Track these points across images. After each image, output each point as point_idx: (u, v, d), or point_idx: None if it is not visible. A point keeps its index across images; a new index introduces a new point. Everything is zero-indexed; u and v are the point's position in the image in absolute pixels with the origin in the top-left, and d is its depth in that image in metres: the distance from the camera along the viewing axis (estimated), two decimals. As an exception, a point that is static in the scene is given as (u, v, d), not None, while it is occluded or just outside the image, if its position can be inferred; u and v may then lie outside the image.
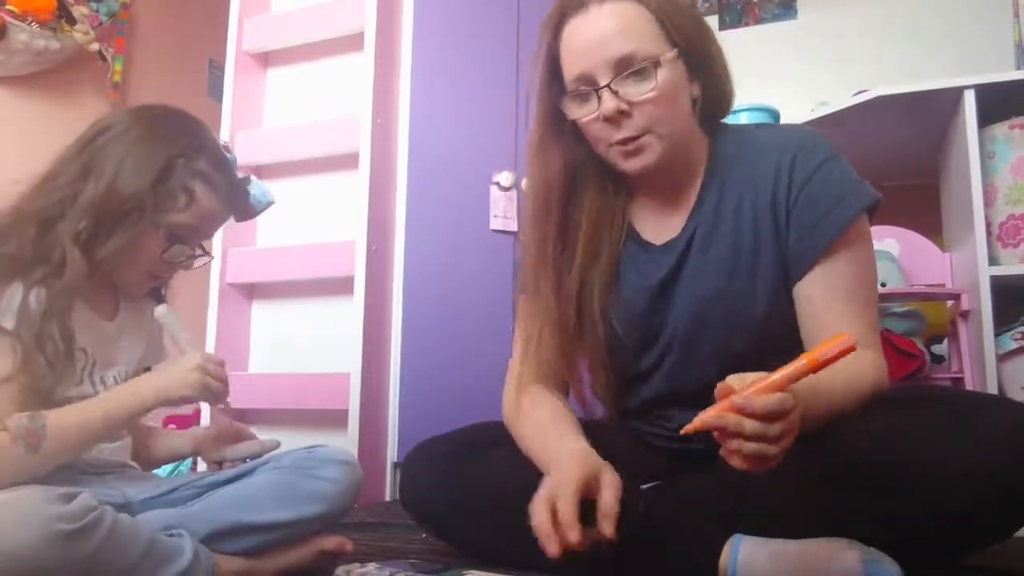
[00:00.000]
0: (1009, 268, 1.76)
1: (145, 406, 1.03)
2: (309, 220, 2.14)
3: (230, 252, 2.11)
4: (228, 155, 1.18)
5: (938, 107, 1.92)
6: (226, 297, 2.11)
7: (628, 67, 1.00)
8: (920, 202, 2.35)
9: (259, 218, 2.22)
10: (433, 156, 2.11)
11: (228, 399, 1.10)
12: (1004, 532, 0.88)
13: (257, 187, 1.24)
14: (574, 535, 0.84)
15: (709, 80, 1.08)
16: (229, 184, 1.15)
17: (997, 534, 0.89)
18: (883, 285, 2.00)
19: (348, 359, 1.92)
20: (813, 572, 0.84)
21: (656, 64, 1.00)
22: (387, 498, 1.96)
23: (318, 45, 2.20)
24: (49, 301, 0.98)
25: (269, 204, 1.25)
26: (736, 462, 0.76)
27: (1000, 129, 1.80)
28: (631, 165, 1.05)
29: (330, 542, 1.06)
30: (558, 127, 1.09)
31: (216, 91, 2.80)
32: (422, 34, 2.12)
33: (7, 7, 2.40)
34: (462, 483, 1.06)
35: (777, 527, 0.91)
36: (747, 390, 0.75)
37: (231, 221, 1.24)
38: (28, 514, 0.78)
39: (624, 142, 1.03)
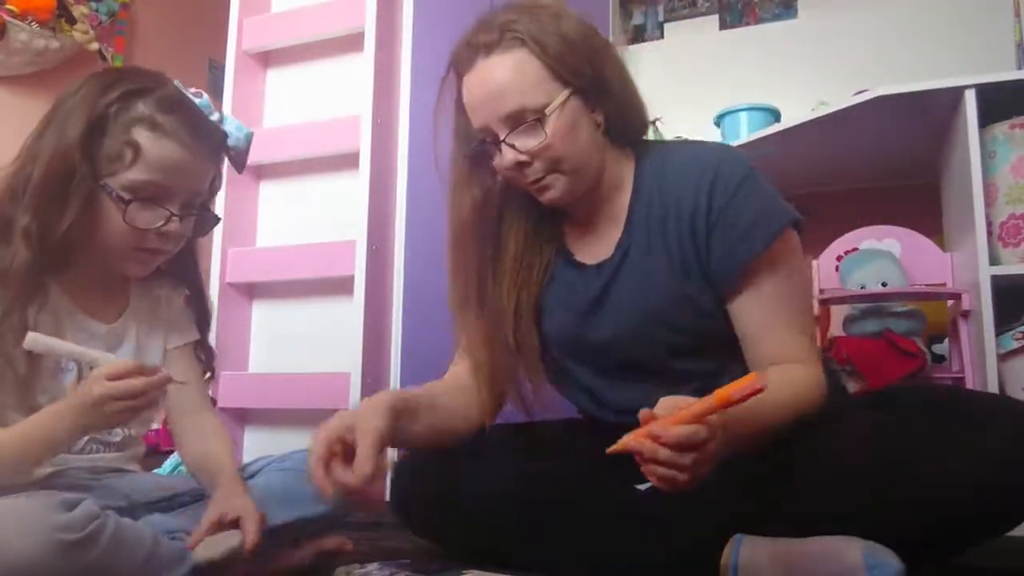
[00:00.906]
0: (1010, 268, 1.75)
1: (70, 438, 0.94)
2: (309, 220, 2.14)
3: (230, 252, 2.11)
4: (192, 97, 1.05)
5: (939, 107, 1.92)
6: (226, 297, 2.10)
7: (520, 122, 1.03)
8: (921, 202, 2.35)
9: (259, 218, 2.23)
10: (433, 156, 2.10)
11: (161, 390, 0.94)
12: (1000, 532, 0.89)
13: (231, 123, 1.09)
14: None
15: (610, 103, 1.08)
16: (187, 126, 1.00)
17: (993, 535, 0.89)
18: (884, 285, 2.00)
19: (348, 359, 1.92)
20: (815, 569, 0.84)
21: (543, 117, 1.02)
22: (387, 498, 1.95)
23: (318, 45, 2.19)
24: (2, 297, 0.93)
25: (248, 136, 1.11)
26: (654, 480, 0.83)
27: (1001, 129, 1.80)
28: (545, 199, 1.09)
29: (330, 542, 1.06)
30: (477, 164, 1.13)
31: (216, 91, 2.80)
32: (422, 34, 2.11)
33: (7, 6, 2.40)
34: (454, 488, 1.06)
35: (779, 526, 0.91)
36: (665, 419, 0.81)
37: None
38: (30, 524, 0.76)
39: (531, 183, 1.07)
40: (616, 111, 1.09)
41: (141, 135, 0.97)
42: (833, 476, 0.91)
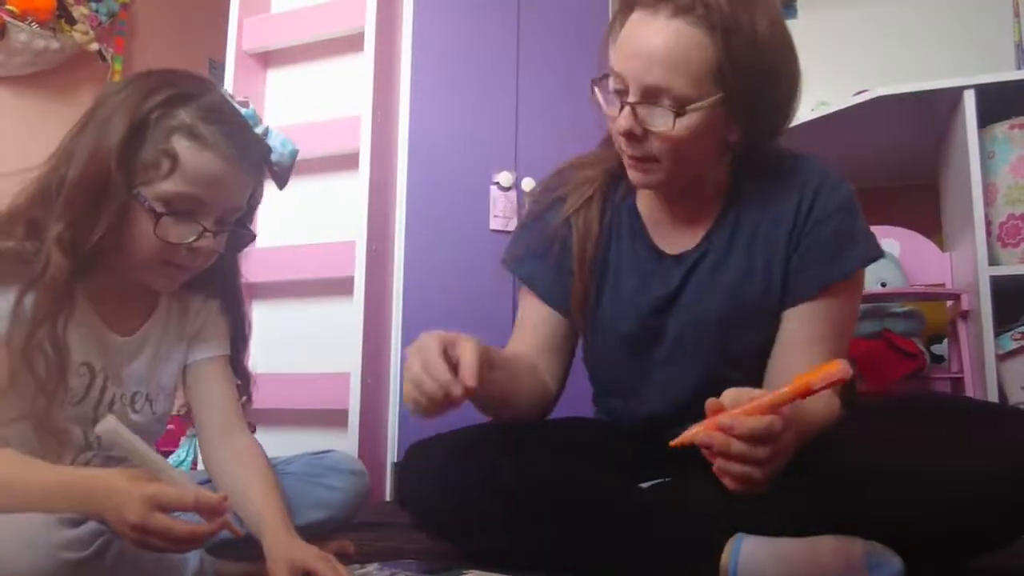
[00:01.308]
0: (1009, 268, 1.76)
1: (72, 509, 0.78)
2: (309, 220, 2.14)
3: (230, 252, 2.11)
4: (236, 106, 0.99)
5: (938, 107, 1.92)
6: (226, 297, 2.10)
7: (656, 99, 0.95)
8: (920, 202, 2.35)
9: (259, 218, 2.23)
10: (433, 156, 2.11)
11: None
12: (1006, 540, 0.89)
13: (276, 137, 1.04)
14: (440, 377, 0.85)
15: (756, 125, 1.01)
16: (228, 137, 0.95)
17: (999, 541, 0.89)
18: (883, 285, 2.00)
19: (348, 359, 1.92)
20: (816, 570, 0.84)
21: (680, 112, 0.94)
22: (387, 498, 1.96)
23: (318, 45, 2.20)
24: (36, 306, 0.89)
25: (293, 152, 1.05)
26: (727, 482, 0.76)
27: (1000, 129, 1.81)
28: (633, 178, 1.04)
29: (332, 545, 1.05)
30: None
31: (216, 91, 2.80)
32: (422, 34, 2.12)
33: (7, 7, 2.40)
34: (459, 483, 1.06)
35: (779, 526, 0.91)
36: (736, 410, 0.75)
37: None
38: (33, 541, 0.72)
39: (627, 156, 1.02)
40: (756, 135, 1.03)
41: (180, 144, 0.92)
42: (834, 476, 0.91)
